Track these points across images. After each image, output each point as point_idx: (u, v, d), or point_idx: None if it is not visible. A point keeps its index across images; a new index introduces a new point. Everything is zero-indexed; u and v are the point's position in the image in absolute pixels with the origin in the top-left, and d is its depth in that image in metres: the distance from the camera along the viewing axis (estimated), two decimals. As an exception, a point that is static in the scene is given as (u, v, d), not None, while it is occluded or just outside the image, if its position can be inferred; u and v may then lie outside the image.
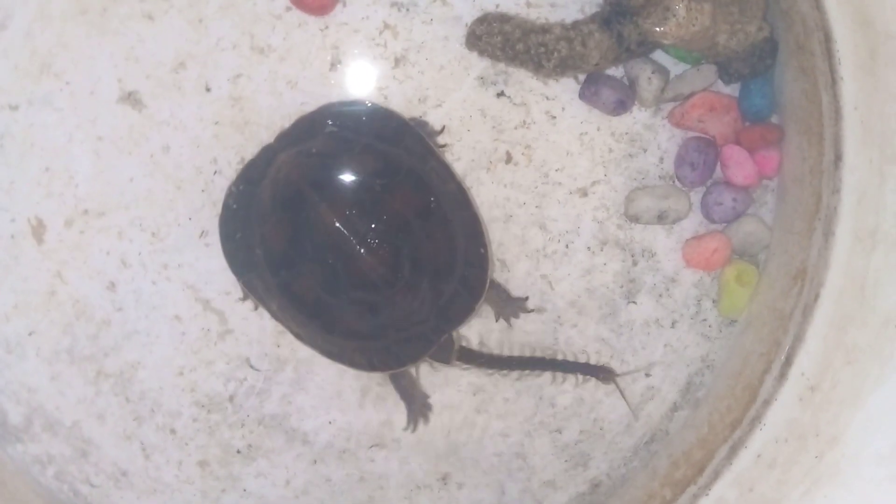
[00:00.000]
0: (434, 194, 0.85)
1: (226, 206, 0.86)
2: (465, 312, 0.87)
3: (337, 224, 0.80)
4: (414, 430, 0.94)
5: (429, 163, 0.86)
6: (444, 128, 0.91)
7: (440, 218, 0.85)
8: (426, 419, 0.94)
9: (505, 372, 0.92)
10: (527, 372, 0.92)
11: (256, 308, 0.91)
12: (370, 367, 0.88)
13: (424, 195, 0.84)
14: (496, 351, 0.93)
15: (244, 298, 0.91)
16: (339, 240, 0.81)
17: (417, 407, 0.93)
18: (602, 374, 0.92)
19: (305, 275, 0.83)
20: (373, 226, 0.81)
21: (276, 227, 0.83)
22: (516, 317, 0.94)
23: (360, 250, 0.81)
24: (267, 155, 0.86)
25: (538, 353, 0.93)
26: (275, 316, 0.88)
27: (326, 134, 0.86)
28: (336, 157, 0.83)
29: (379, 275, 0.82)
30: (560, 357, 0.93)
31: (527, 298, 0.94)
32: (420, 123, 0.89)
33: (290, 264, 0.83)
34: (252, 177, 0.86)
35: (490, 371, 0.92)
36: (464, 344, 0.91)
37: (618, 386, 0.93)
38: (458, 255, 0.86)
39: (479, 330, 0.94)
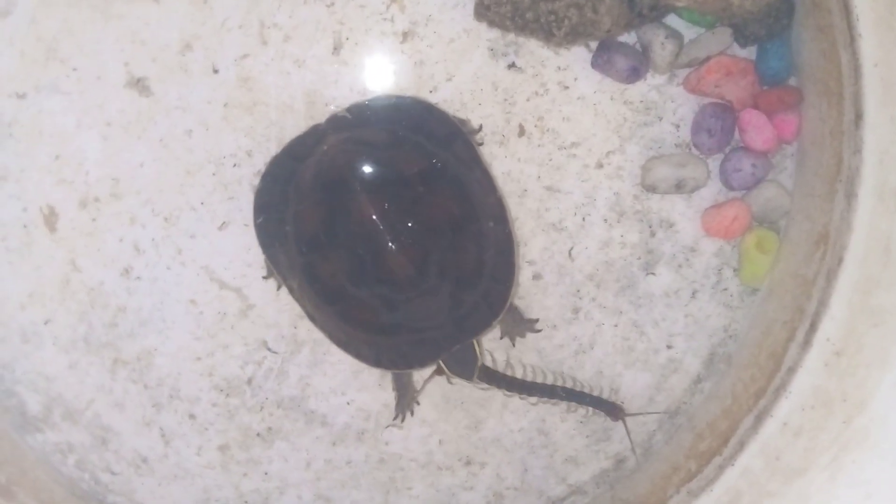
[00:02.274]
0: (473, 205, 0.84)
1: (265, 178, 0.85)
2: (481, 326, 0.86)
3: (374, 217, 0.80)
4: (402, 421, 0.93)
5: (474, 172, 0.85)
6: (481, 126, 0.90)
7: (475, 230, 0.84)
8: (412, 413, 0.94)
9: (523, 396, 0.91)
10: (544, 400, 0.92)
11: (279, 288, 0.90)
12: (376, 362, 0.87)
13: (464, 205, 0.84)
14: (518, 371, 0.93)
15: (267, 277, 0.90)
16: (372, 232, 0.80)
17: (407, 401, 0.93)
18: (612, 410, 0.91)
19: (332, 260, 0.82)
20: (409, 225, 0.81)
21: (313, 208, 0.83)
22: (522, 336, 0.93)
23: (391, 247, 0.80)
24: (315, 134, 0.85)
25: (559, 382, 0.92)
26: (292, 293, 0.87)
27: (379, 126, 0.85)
28: (385, 151, 0.83)
29: (405, 274, 0.81)
30: (578, 387, 0.92)
31: (537, 320, 0.93)
32: (461, 121, 0.88)
33: (318, 247, 0.83)
34: (296, 153, 0.85)
35: (509, 393, 0.92)
36: (488, 364, 0.91)
37: (625, 424, 0.92)
38: (485, 269, 0.85)
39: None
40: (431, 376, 0.90)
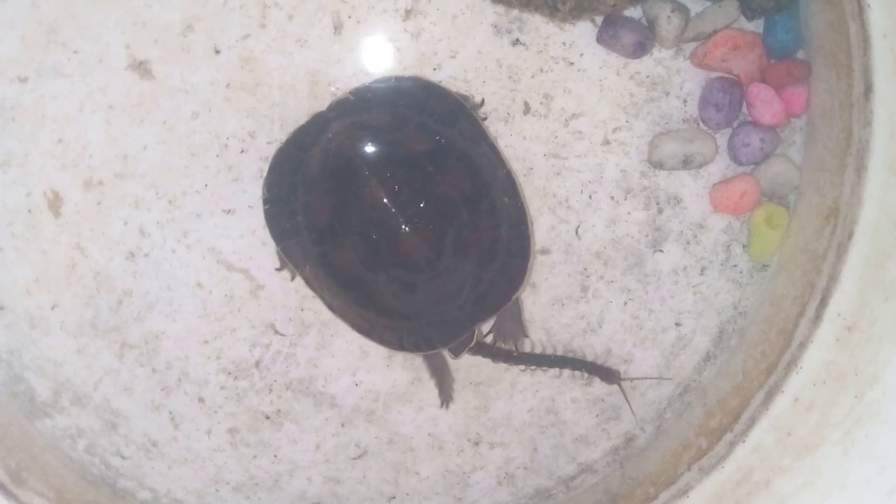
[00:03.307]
0: (484, 181, 0.84)
1: (271, 170, 0.85)
2: (501, 301, 0.86)
3: (385, 200, 0.80)
4: (447, 406, 0.93)
5: (480, 147, 0.84)
6: (483, 100, 0.89)
7: (487, 205, 0.84)
8: (451, 399, 0.94)
9: (521, 367, 0.92)
10: (536, 369, 0.92)
11: (293, 279, 0.90)
12: (399, 346, 0.87)
13: (474, 181, 0.83)
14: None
15: (280, 268, 0.90)
16: (385, 216, 0.80)
17: (448, 385, 0.93)
18: (608, 375, 0.91)
19: (347, 247, 0.82)
20: (421, 206, 0.80)
21: (323, 197, 0.82)
22: (511, 341, 0.91)
23: (405, 229, 0.80)
24: (319, 122, 0.85)
25: (548, 351, 0.92)
26: (309, 284, 0.87)
27: (382, 108, 0.84)
28: (391, 133, 0.82)
29: (422, 255, 0.81)
30: (569, 355, 0.92)
31: (527, 336, 0.93)
32: (462, 97, 0.87)
33: (332, 235, 0.82)
34: (302, 142, 0.85)
35: (506, 364, 0.91)
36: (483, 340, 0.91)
37: (621, 388, 0.92)
38: (500, 244, 0.85)
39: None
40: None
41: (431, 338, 0.86)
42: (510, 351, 0.90)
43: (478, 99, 0.89)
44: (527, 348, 0.93)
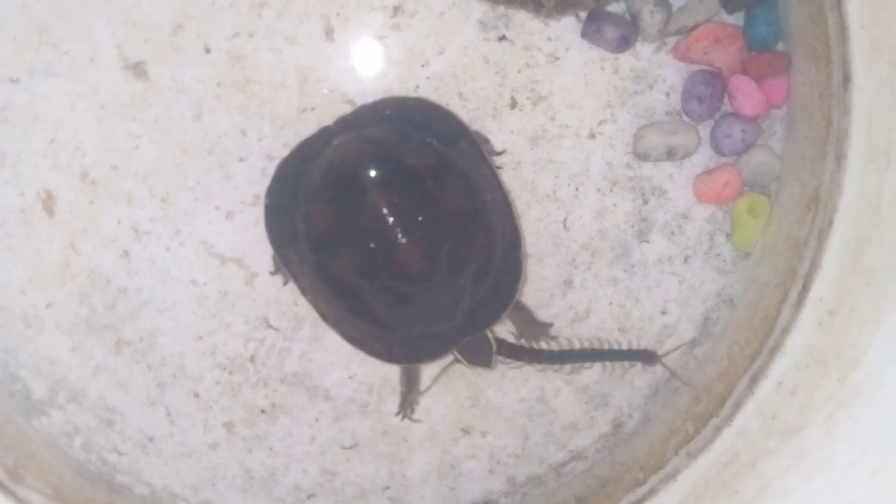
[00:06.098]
0: (481, 200, 0.85)
1: (275, 179, 0.86)
2: (491, 318, 0.87)
3: (385, 211, 0.80)
4: (402, 418, 0.94)
5: (480, 168, 0.86)
6: (502, 151, 0.91)
7: (483, 224, 0.85)
8: (412, 411, 0.95)
9: (556, 367, 0.91)
10: (577, 365, 0.92)
11: (286, 283, 0.91)
12: (388, 357, 0.88)
13: (472, 199, 0.84)
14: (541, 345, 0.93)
15: (274, 273, 0.91)
16: (384, 227, 0.81)
17: (412, 397, 0.94)
18: (647, 357, 0.92)
19: (344, 256, 0.83)
20: (419, 219, 0.81)
21: (324, 206, 0.83)
22: (538, 337, 0.93)
23: (403, 240, 0.81)
24: (324, 135, 0.86)
25: (584, 345, 0.92)
26: (304, 292, 0.87)
27: (387, 124, 0.85)
28: (394, 148, 0.83)
29: (417, 268, 0.82)
30: (604, 346, 0.92)
31: (551, 325, 0.94)
32: (482, 139, 0.89)
33: (331, 244, 0.83)
34: (306, 154, 0.86)
35: (540, 366, 0.92)
36: (504, 338, 0.91)
37: (665, 366, 0.93)
38: (494, 262, 0.86)
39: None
40: (448, 366, 0.91)
41: (421, 350, 0.87)
42: (541, 350, 0.91)
43: (494, 147, 0.91)
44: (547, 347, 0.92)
